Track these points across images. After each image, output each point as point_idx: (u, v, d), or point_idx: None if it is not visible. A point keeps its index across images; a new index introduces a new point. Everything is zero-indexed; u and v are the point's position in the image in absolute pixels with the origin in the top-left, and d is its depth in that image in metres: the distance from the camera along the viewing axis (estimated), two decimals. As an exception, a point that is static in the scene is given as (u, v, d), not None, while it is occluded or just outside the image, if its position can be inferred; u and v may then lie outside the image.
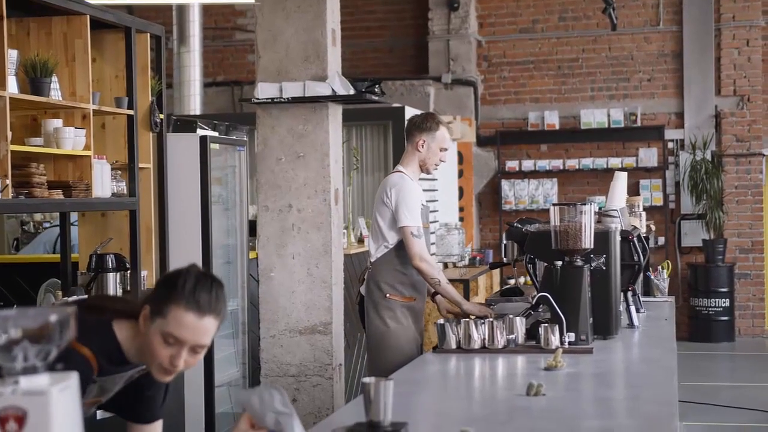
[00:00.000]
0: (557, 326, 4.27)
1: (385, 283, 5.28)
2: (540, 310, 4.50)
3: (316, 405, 5.77)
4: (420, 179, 5.16)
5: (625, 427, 3.05)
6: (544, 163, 13.06)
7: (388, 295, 5.27)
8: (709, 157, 12.57)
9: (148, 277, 5.95)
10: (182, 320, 2.59)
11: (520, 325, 4.40)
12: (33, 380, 1.74)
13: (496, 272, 11.61)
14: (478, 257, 11.34)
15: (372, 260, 5.35)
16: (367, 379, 2.73)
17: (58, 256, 5.89)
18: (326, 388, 5.76)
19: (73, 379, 1.78)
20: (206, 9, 12.75)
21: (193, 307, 2.59)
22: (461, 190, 12.66)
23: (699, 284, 12.51)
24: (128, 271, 5.69)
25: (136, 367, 2.79)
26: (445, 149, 5.42)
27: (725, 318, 12.45)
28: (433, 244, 10.21)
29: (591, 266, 4.50)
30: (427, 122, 5.39)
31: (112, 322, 2.74)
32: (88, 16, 5.33)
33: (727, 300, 12.44)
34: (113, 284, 5.52)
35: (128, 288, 5.68)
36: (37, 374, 1.75)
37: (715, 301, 12.41)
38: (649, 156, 12.83)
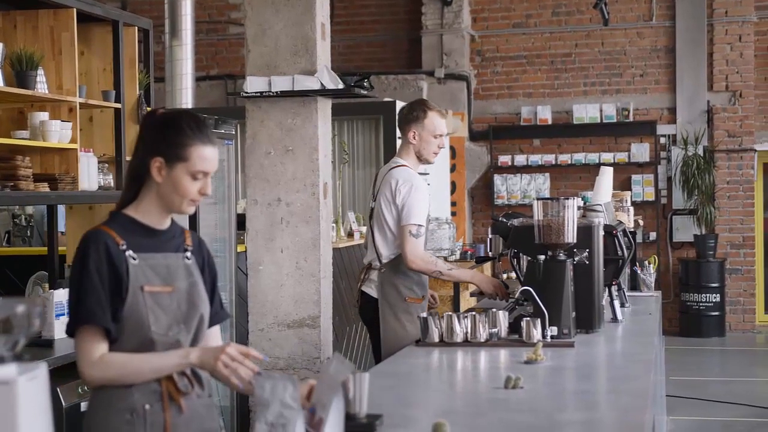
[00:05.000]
0: (539, 320, 4.29)
1: (403, 285, 5.16)
2: (524, 304, 4.51)
3: (305, 398, 5.78)
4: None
5: (598, 419, 3.07)
6: (536, 158, 13.09)
7: (407, 298, 5.15)
8: (701, 152, 12.60)
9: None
10: (204, 156, 2.88)
11: (503, 318, 4.41)
12: (0, 370, 1.75)
13: (488, 266, 11.64)
14: (469, 252, 11.36)
15: (383, 261, 5.18)
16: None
17: (46, 249, 5.89)
18: (314, 382, 5.77)
19: (41, 369, 1.80)
20: (200, 3, 12.75)
21: (206, 142, 2.89)
22: (453, 185, 12.69)
23: (690, 279, 12.54)
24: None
25: (169, 237, 2.97)
26: (440, 135, 5.24)
27: (716, 313, 12.49)
28: (424, 238, 10.23)
29: (574, 260, 4.51)
30: (413, 112, 5.24)
31: (120, 212, 2.95)
32: (74, 10, 5.33)
33: (718, 295, 12.47)
34: (100, 277, 5.52)
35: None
36: (5, 364, 1.77)
37: (706, 296, 12.44)
38: (641, 151, 12.86)
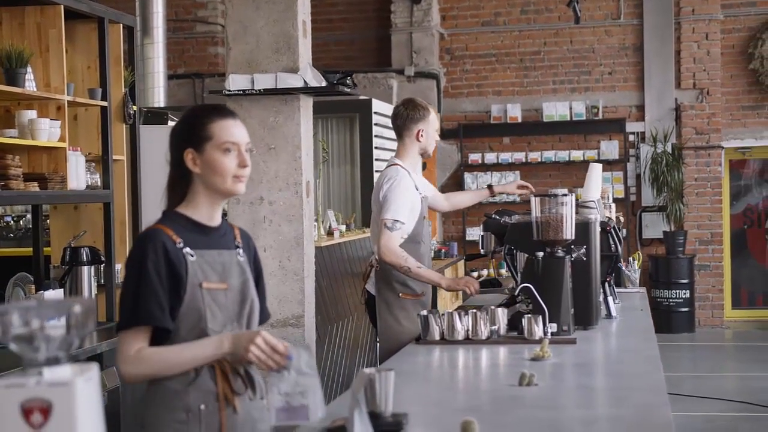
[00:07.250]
0: (540, 317, 4.29)
1: (396, 282, 5.18)
2: (519, 301, 4.50)
3: (289, 397, 5.74)
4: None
5: (621, 415, 3.05)
6: (506, 156, 13.11)
7: (401, 294, 5.18)
8: (669, 149, 12.68)
9: (123, 270, 5.87)
10: (226, 127, 2.89)
11: (502, 316, 4.41)
12: (56, 371, 1.72)
13: (461, 264, 11.66)
14: (443, 250, 11.38)
15: (378, 258, 5.19)
16: (368, 370, 2.73)
17: (30, 249, 5.79)
18: (299, 381, 5.73)
19: (94, 370, 1.76)
20: (168, 0, 12.63)
21: (224, 116, 2.91)
22: (424, 183, 12.67)
23: (660, 275, 12.63)
24: (103, 265, 5.62)
25: (221, 234, 2.95)
26: (437, 129, 5.40)
27: (685, 309, 12.59)
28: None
29: (572, 257, 4.52)
30: (418, 111, 5.31)
31: (173, 210, 2.94)
32: (62, 6, 5.25)
33: (687, 291, 12.57)
34: (87, 277, 5.45)
35: (102, 281, 5.62)
36: (61, 365, 1.73)
37: (676, 293, 12.54)
38: (610, 149, 12.93)
